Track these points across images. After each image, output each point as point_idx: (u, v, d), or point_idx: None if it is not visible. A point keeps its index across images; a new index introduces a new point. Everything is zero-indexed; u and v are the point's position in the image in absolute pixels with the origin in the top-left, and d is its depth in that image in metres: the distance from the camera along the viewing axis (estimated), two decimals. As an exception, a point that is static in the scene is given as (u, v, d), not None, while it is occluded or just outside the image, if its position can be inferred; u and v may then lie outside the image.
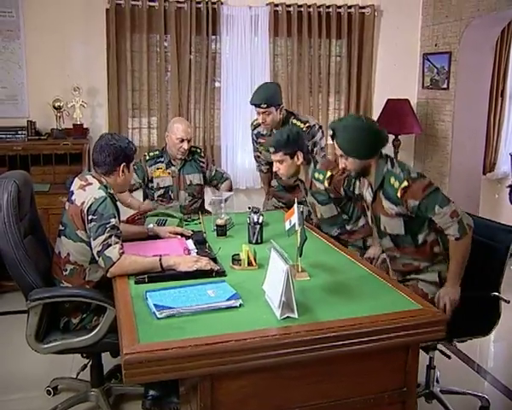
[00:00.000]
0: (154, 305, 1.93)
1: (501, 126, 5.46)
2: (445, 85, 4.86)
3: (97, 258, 2.31)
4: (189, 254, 2.50)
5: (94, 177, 2.47)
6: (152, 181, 3.57)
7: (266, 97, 3.34)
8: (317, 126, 3.52)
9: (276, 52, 4.87)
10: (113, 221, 2.33)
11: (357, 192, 2.84)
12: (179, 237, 2.78)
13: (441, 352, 2.85)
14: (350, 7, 4.89)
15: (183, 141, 3.44)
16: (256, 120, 3.60)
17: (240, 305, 1.97)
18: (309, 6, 4.78)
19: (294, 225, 2.30)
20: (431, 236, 2.49)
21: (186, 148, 3.45)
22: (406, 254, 2.52)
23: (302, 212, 2.33)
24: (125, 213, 3.23)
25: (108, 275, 2.29)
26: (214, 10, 4.62)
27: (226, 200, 3.06)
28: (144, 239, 2.75)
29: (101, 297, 2.37)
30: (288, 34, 4.79)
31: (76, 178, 2.51)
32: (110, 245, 2.28)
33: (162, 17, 4.52)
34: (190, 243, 2.69)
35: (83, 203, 2.36)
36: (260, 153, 3.63)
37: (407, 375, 1.93)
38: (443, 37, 4.87)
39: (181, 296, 2.02)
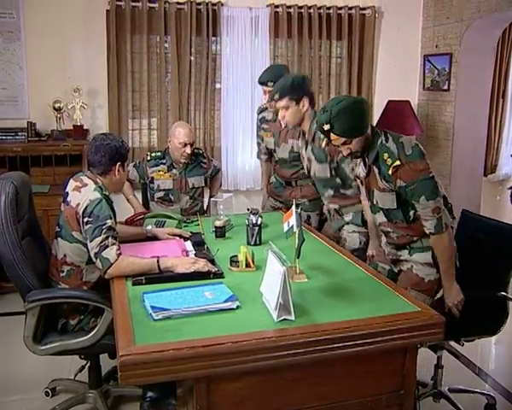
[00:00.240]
0: (151, 307, 1.92)
1: (502, 128, 5.45)
2: (445, 87, 4.85)
3: (95, 260, 2.30)
4: (187, 255, 2.49)
5: (89, 177, 2.47)
6: (153, 182, 3.57)
7: (274, 76, 3.32)
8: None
9: (277, 53, 4.87)
10: (109, 222, 2.32)
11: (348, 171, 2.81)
12: (177, 238, 2.78)
13: (449, 351, 2.85)
14: (350, 8, 4.88)
15: (185, 145, 3.43)
16: (263, 105, 3.59)
17: (237, 307, 1.96)
18: (309, 7, 4.78)
19: (292, 226, 2.29)
20: None
21: (189, 152, 3.44)
22: (398, 230, 2.48)
23: (300, 213, 2.32)
24: (125, 213, 3.24)
25: (106, 276, 2.29)
26: (214, 11, 4.62)
27: (225, 201, 3.06)
28: (143, 240, 2.75)
29: (98, 299, 2.37)
30: (288, 35, 4.79)
31: (71, 180, 2.51)
32: (107, 247, 2.27)
33: (162, 18, 4.52)
34: (189, 245, 2.68)
35: (78, 205, 2.35)
36: (262, 140, 3.62)
37: (405, 378, 1.92)
38: (444, 38, 4.86)
39: (178, 298, 2.01)
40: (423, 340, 1.94)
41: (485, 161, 5.24)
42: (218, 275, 2.28)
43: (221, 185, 3.97)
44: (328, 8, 4.83)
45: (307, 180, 3.43)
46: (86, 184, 2.42)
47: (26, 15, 4.36)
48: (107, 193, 2.43)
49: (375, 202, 2.49)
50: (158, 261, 2.28)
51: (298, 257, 2.24)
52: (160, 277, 2.25)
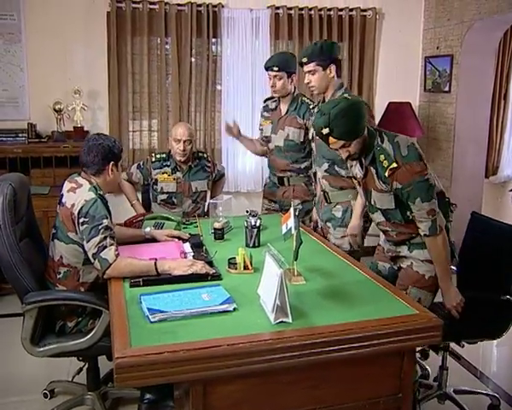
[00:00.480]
0: (148, 309, 1.92)
1: (504, 129, 5.44)
2: (446, 88, 4.84)
3: (93, 260, 2.30)
4: (186, 257, 2.48)
5: (83, 178, 2.47)
6: (156, 184, 3.56)
7: (279, 61, 3.35)
8: None
9: (277, 55, 4.86)
10: (106, 222, 2.32)
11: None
12: (176, 240, 2.77)
13: (451, 353, 2.85)
14: (351, 10, 4.88)
15: (179, 142, 3.44)
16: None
17: (234, 309, 1.96)
18: (310, 9, 4.77)
19: (290, 228, 2.29)
20: None
21: (182, 149, 3.43)
22: (398, 228, 2.47)
23: (298, 216, 2.31)
24: (125, 215, 3.24)
25: (105, 277, 2.29)
26: (215, 13, 4.62)
27: (224, 203, 3.05)
28: (141, 242, 2.74)
29: (96, 301, 2.37)
30: (289, 37, 4.78)
31: (66, 181, 2.51)
32: (106, 247, 2.28)
33: (163, 20, 4.52)
34: (187, 247, 2.68)
35: (73, 205, 2.36)
36: (262, 129, 3.64)
37: (402, 381, 1.91)
38: (445, 40, 4.85)
39: (175, 300, 2.00)
40: (421, 343, 1.93)
41: (487, 162, 5.23)
42: (216, 277, 2.28)
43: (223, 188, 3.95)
44: (329, 10, 4.83)
45: (300, 179, 3.46)
46: (81, 185, 2.42)
47: (27, 17, 4.36)
48: (101, 192, 2.43)
49: (372, 203, 2.47)
50: (155, 264, 2.28)
51: (295, 259, 2.23)
52: (158, 279, 2.24)
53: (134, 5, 4.46)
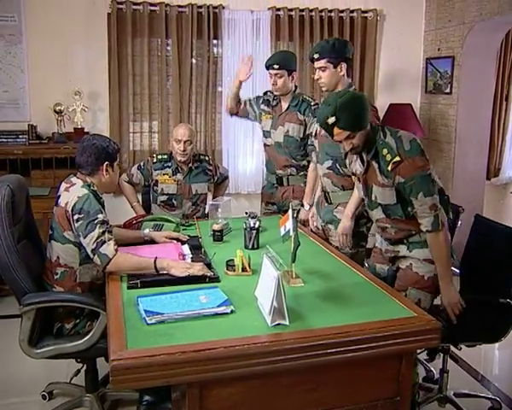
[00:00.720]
0: (145, 310, 1.91)
1: (505, 131, 5.42)
2: (448, 90, 4.83)
3: (92, 256, 2.31)
4: (184, 259, 2.48)
5: (78, 178, 2.48)
6: (157, 185, 3.56)
7: (279, 59, 3.35)
8: None
9: (278, 56, 4.85)
10: (101, 216, 2.33)
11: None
12: (175, 241, 2.77)
13: (451, 356, 2.84)
14: (352, 11, 4.87)
15: (180, 142, 3.44)
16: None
17: (231, 311, 1.95)
18: (311, 10, 4.77)
19: (289, 230, 2.28)
20: None
21: (182, 149, 3.43)
22: (397, 224, 2.45)
23: (296, 217, 2.30)
24: (125, 217, 3.23)
25: (105, 271, 2.31)
26: (216, 14, 4.62)
27: (224, 205, 3.05)
28: (140, 244, 2.73)
29: (93, 302, 2.37)
30: (289, 38, 4.78)
31: (62, 183, 2.51)
32: (105, 242, 2.29)
33: (163, 21, 4.52)
34: (186, 248, 2.67)
35: (67, 204, 2.36)
36: (260, 121, 3.61)
37: (400, 384, 1.90)
38: (446, 41, 4.84)
39: (172, 302, 2.00)
40: (419, 346, 1.92)
41: (488, 164, 5.21)
42: (214, 279, 2.27)
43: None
44: (330, 11, 4.82)
45: (299, 179, 3.45)
46: (75, 184, 2.43)
47: (28, 18, 4.37)
48: (95, 189, 2.44)
49: (373, 198, 2.45)
50: (155, 261, 2.28)
51: (293, 261, 2.22)
52: (156, 280, 2.24)
53: (134, 7, 4.46)
